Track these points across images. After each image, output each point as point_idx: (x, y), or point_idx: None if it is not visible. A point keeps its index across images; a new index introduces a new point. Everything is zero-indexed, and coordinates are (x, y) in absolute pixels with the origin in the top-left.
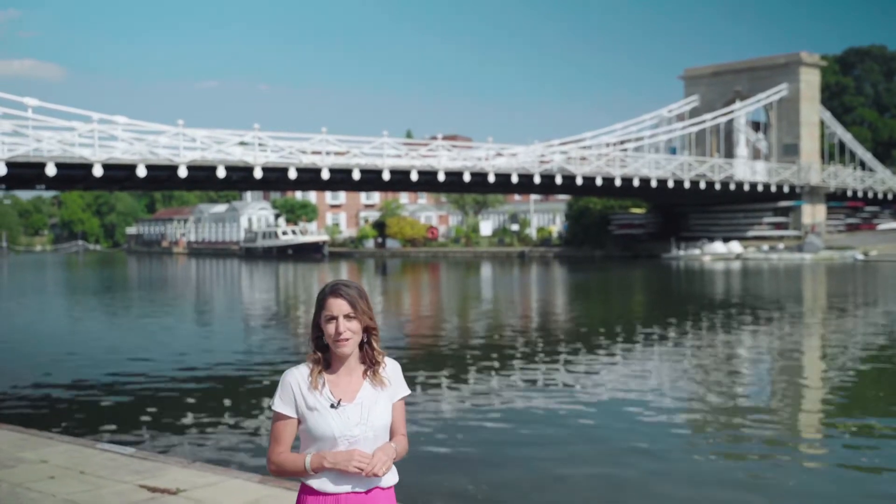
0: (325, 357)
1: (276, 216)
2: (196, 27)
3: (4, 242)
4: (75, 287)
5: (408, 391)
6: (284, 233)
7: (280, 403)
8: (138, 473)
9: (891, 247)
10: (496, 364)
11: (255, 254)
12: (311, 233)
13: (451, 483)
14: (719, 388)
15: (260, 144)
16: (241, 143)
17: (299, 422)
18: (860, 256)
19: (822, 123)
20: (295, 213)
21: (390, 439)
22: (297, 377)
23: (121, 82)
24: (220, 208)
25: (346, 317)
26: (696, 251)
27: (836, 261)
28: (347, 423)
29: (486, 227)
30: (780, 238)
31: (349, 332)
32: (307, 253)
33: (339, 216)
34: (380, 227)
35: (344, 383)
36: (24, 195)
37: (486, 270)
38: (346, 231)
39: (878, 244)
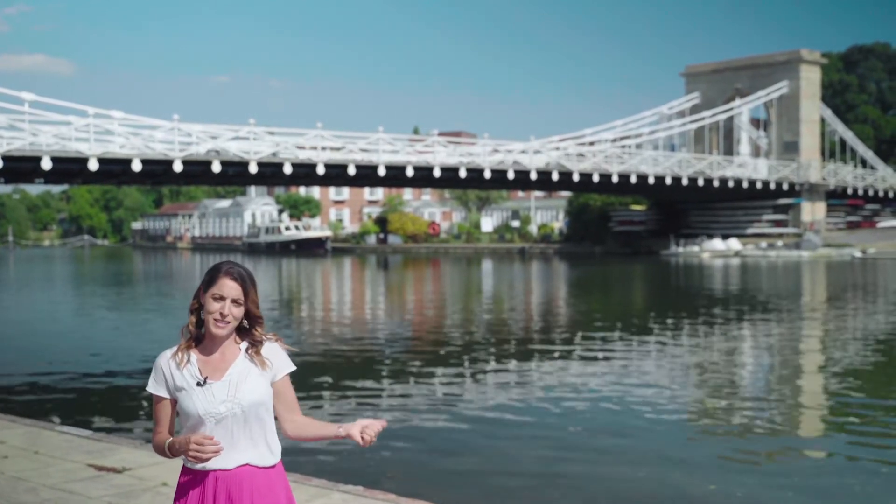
0: (199, 332)
1: (280, 211)
2: (207, 22)
3: (11, 237)
4: (66, 281)
5: (292, 367)
6: (287, 228)
7: (153, 385)
8: (90, 453)
9: (889, 244)
10: (492, 357)
11: (258, 249)
12: (314, 228)
13: (452, 473)
14: (718, 382)
15: (255, 139)
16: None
17: (175, 402)
18: (858, 254)
19: (823, 121)
20: (298, 209)
21: (283, 420)
22: (169, 358)
23: (131, 77)
24: (225, 203)
25: (234, 301)
26: (695, 248)
27: (834, 258)
28: (213, 401)
29: (488, 224)
30: (780, 235)
31: (232, 316)
32: (310, 248)
33: (342, 212)
34: (382, 222)
35: (215, 361)
36: (33, 190)
37: (486, 266)
38: (350, 227)
39: (878, 242)
